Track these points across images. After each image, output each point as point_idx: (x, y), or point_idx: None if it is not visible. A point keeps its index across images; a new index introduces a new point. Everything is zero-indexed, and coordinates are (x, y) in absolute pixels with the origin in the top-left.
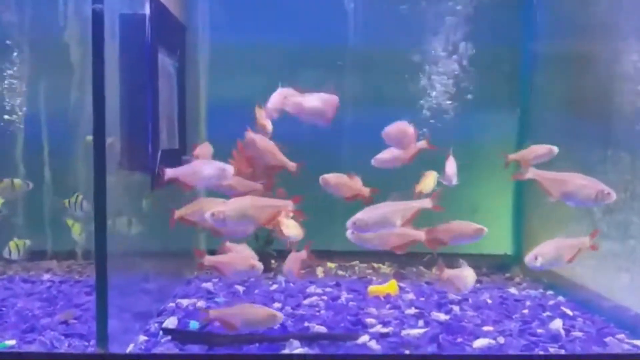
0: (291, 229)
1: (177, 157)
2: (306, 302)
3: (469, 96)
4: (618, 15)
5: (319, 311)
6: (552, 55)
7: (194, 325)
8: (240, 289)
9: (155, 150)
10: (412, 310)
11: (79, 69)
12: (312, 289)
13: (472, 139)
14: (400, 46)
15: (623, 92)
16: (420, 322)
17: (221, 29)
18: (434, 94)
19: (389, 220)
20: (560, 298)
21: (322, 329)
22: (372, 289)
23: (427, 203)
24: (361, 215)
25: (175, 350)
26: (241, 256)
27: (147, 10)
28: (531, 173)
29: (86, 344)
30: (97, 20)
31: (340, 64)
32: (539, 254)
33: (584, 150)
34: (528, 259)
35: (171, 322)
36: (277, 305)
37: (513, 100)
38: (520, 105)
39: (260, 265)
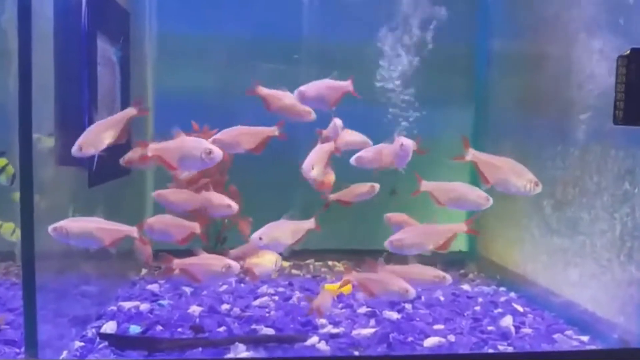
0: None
1: (120, 151)
2: (256, 302)
3: (425, 92)
4: (569, 15)
5: (268, 312)
6: (506, 53)
7: (134, 329)
8: (188, 290)
9: None
10: (364, 309)
11: (17, 57)
12: (263, 289)
13: (427, 134)
14: (356, 40)
15: (572, 90)
16: (372, 322)
17: (169, 17)
18: (389, 89)
19: None
20: (512, 294)
21: (270, 331)
22: (325, 288)
23: None
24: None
25: (112, 357)
26: (214, 257)
27: None
28: (471, 155)
29: (17, 351)
30: (24, 6)
31: (296, 57)
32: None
33: (536, 146)
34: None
35: (110, 327)
36: (225, 306)
37: (468, 97)
38: (475, 102)
39: (236, 265)
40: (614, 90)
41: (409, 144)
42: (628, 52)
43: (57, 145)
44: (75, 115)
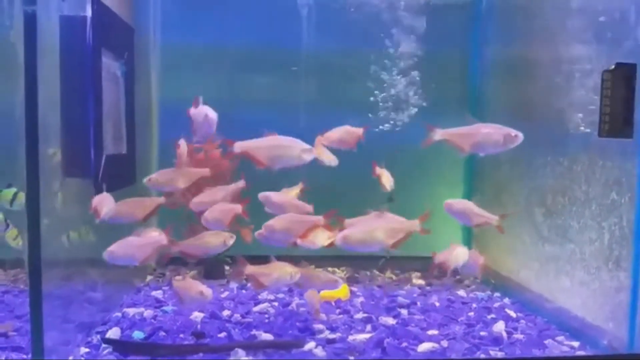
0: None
1: (125, 162)
2: (256, 309)
3: (419, 100)
4: (560, 25)
5: (268, 318)
6: (500, 61)
7: (138, 335)
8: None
9: (98, 156)
10: (361, 315)
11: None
12: (263, 295)
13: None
14: (352, 51)
15: (562, 101)
16: (368, 327)
17: (173, 31)
18: (384, 98)
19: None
20: (506, 300)
21: (269, 337)
22: (324, 294)
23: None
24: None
25: None
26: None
27: (88, 12)
28: (438, 135)
29: (24, 357)
30: (30, 23)
31: (295, 69)
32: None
33: (527, 155)
34: None
35: (114, 333)
36: (226, 312)
37: (462, 105)
38: (469, 110)
39: (209, 291)
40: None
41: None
42: (613, 67)
43: (63, 157)
44: (81, 129)
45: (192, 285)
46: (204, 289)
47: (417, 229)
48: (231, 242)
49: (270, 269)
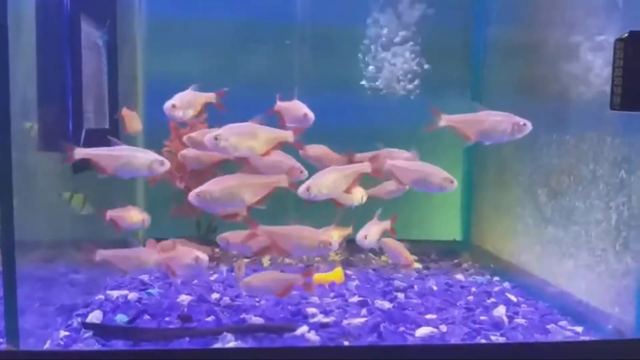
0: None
1: (106, 136)
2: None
3: (420, 79)
4: (565, 2)
5: (258, 301)
6: (502, 40)
7: (122, 319)
8: (178, 279)
9: (77, 130)
10: (356, 299)
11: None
12: None
13: (422, 122)
14: (349, 27)
15: (568, 77)
16: (364, 311)
17: (159, 1)
18: (383, 75)
19: None
20: (506, 284)
21: (260, 321)
22: (317, 277)
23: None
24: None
25: (97, 346)
26: (185, 249)
27: None
28: (444, 121)
29: (0, 340)
30: None
31: (288, 43)
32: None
33: (531, 134)
34: None
35: (95, 316)
36: (215, 295)
37: (464, 84)
38: (470, 89)
39: (204, 256)
40: (610, 76)
41: None
42: (626, 34)
43: (39, 130)
44: (58, 101)
45: (184, 253)
46: (199, 254)
47: (285, 184)
48: None
49: (292, 232)
